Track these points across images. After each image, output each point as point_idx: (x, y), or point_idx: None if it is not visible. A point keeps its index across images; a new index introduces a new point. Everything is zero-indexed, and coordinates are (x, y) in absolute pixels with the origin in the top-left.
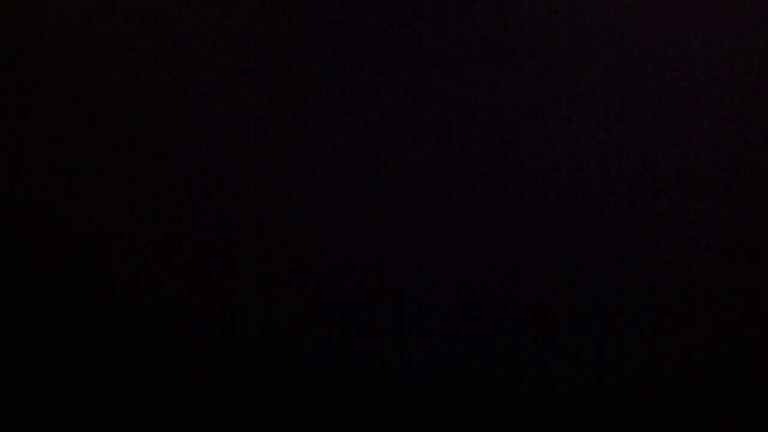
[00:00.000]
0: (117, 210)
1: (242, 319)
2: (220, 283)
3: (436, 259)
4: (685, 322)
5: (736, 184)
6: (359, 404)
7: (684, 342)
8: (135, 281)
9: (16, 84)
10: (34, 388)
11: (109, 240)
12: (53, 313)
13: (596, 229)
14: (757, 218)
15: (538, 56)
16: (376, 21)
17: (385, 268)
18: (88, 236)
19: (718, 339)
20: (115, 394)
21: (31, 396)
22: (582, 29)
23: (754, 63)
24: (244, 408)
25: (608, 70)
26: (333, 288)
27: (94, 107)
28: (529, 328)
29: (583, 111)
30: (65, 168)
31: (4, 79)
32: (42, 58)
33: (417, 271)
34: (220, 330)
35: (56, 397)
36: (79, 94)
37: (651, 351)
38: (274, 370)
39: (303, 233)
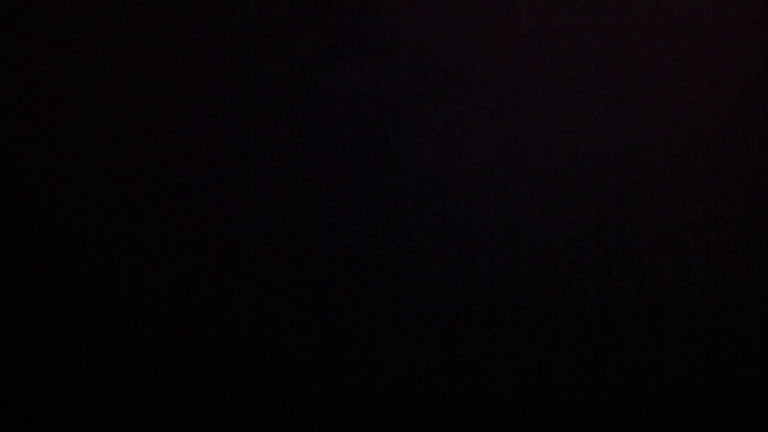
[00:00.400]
0: (117, 210)
1: (235, 316)
2: (217, 282)
3: (434, 259)
4: (685, 321)
5: (737, 184)
6: (358, 402)
7: (683, 342)
8: (135, 281)
9: (16, 84)
10: (34, 387)
11: (109, 240)
12: (53, 312)
13: (596, 229)
14: (757, 218)
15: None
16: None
17: (384, 269)
18: (88, 236)
19: (717, 339)
20: (115, 393)
21: (31, 395)
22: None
23: (754, 63)
24: (243, 406)
25: (604, 71)
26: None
27: (94, 107)
28: (528, 329)
29: (583, 112)
30: (66, 168)
31: (4, 79)
32: (42, 58)
33: (415, 271)
34: (219, 329)
35: (56, 396)
36: (79, 95)
37: (650, 350)
38: (269, 366)
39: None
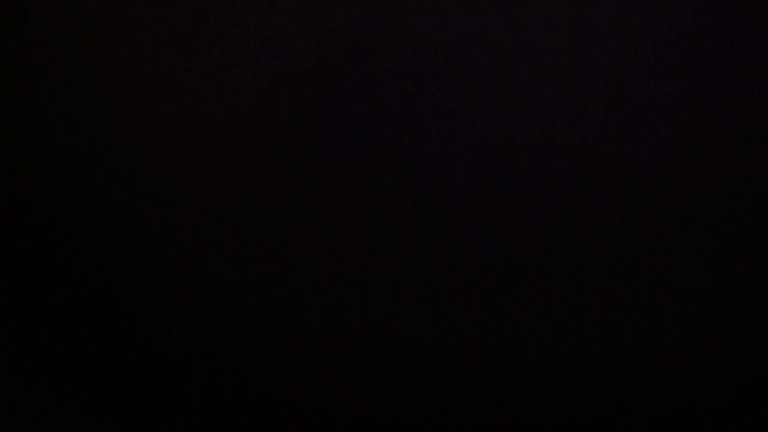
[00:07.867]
0: (117, 209)
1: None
2: (219, 281)
3: (437, 259)
4: (685, 322)
5: (736, 184)
6: (359, 401)
7: (683, 342)
8: (136, 280)
9: (16, 83)
10: (34, 386)
11: (109, 239)
12: (54, 311)
13: (597, 229)
14: (757, 218)
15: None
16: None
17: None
18: (88, 235)
19: (717, 339)
20: (118, 393)
21: (31, 393)
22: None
23: (754, 63)
24: (245, 405)
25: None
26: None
27: (95, 106)
28: (528, 329)
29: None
30: (66, 165)
31: (4, 78)
32: (42, 57)
33: (416, 269)
34: (219, 327)
35: (58, 396)
36: (80, 93)
37: (650, 351)
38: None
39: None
